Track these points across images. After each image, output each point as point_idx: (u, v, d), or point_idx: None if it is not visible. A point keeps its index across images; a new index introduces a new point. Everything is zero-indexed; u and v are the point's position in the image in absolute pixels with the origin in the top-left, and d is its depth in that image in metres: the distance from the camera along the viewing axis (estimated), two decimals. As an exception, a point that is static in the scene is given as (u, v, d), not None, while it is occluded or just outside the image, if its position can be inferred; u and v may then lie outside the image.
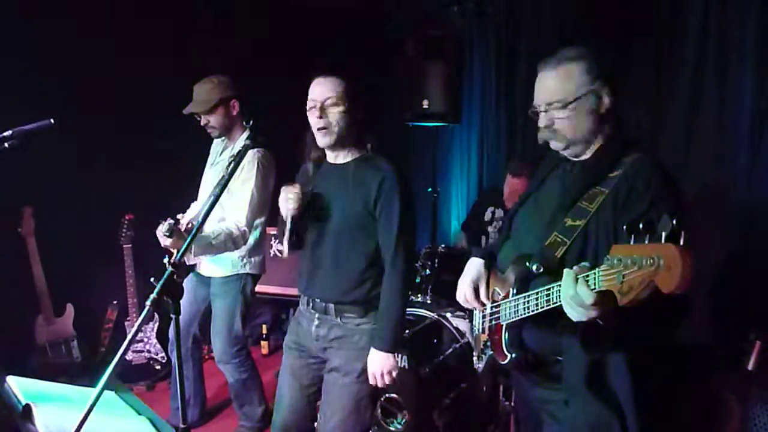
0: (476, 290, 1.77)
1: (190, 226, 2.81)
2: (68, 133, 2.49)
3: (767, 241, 2.88)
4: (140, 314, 1.35)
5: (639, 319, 1.24)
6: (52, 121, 1.98)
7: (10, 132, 1.95)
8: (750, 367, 2.57)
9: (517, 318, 1.55)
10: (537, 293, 1.45)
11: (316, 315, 2.16)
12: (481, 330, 1.81)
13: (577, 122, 1.52)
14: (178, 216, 2.96)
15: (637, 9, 3.40)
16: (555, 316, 1.41)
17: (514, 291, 1.58)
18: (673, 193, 1.44)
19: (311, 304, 2.18)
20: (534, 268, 1.49)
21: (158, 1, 3.80)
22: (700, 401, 2.60)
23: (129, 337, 1.38)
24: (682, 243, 1.02)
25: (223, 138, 2.97)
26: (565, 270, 1.27)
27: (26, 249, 3.44)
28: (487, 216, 3.87)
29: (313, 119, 2.03)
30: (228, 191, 2.76)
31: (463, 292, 1.79)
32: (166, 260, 1.40)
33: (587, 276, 1.22)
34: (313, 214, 2.12)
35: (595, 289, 1.20)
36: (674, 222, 1.04)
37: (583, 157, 1.60)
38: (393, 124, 4.42)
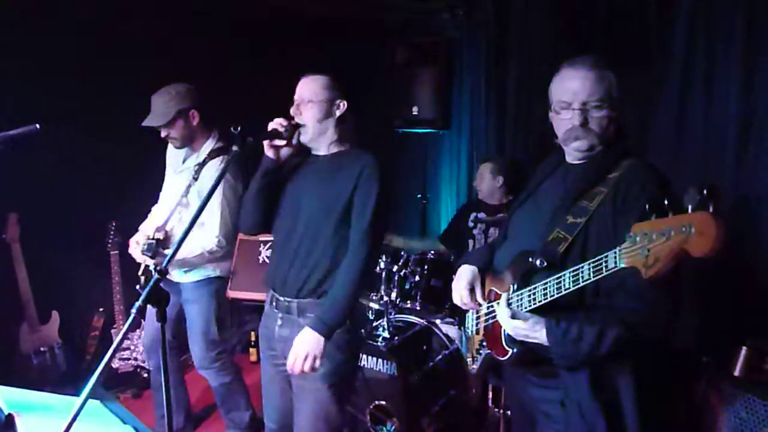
0: (472, 291, 1.80)
1: (159, 235, 2.80)
2: (54, 138, 2.47)
3: (754, 246, 2.90)
4: (126, 322, 1.33)
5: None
6: (37, 126, 1.96)
7: (-6, 137, 1.93)
8: (737, 373, 2.58)
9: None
10: (545, 283, 1.48)
11: (279, 315, 2.15)
12: (475, 331, 1.82)
13: (608, 124, 1.59)
14: (150, 231, 2.95)
15: (625, 16, 3.43)
16: (557, 312, 1.47)
17: (515, 287, 1.59)
18: (667, 195, 1.47)
19: (275, 303, 2.17)
20: (538, 262, 1.53)
21: (145, 5, 3.79)
22: (687, 407, 2.61)
23: (114, 344, 1.37)
24: (711, 210, 1.10)
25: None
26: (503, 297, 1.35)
27: (11, 255, 3.40)
28: (470, 223, 3.89)
29: (294, 117, 2.11)
30: (199, 198, 2.80)
31: (459, 294, 1.81)
32: (152, 267, 1.39)
33: (607, 256, 1.29)
34: (287, 204, 2.15)
35: (617, 266, 1.26)
36: (704, 192, 1.11)
37: (585, 160, 1.65)
38: (383, 130, 4.43)
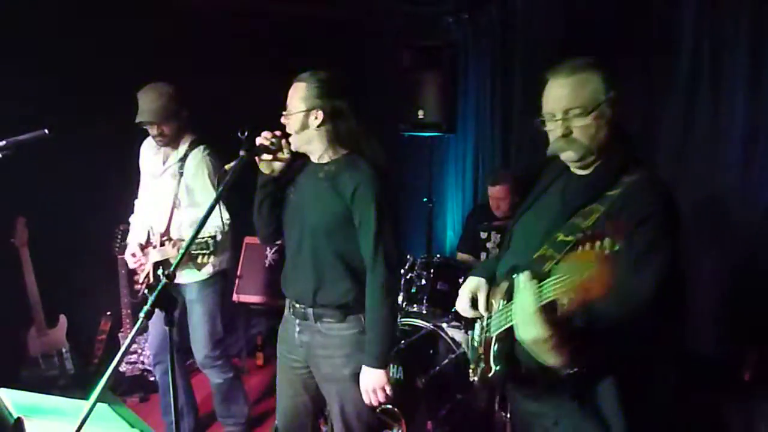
0: (474, 300, 1.76)
1: (166, 241, 2.82)
2: (62, 142, 2.48)
3: (762, 253, 2.88)
4: (134, 325, 1.34)
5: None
6: (46, 131, 1.98)
7: (3, 142, 1.95)
8: (747, 378, 2.57)
9: (502, 329, 1.53)
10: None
11: (297, 321, 2.17)
12: (479, 342, 1.80)
13: (596, 131, 1.49)
14: (142, 240, 2.96)
15: (630, 19, 3.42)
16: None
17: (504, 303, 1.56)
18: (664, 218, 1.42)
19: (292, 310, 2.19)
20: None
21: (153, 16, 3.82)
22: (698, 413, 2.59)
23: (122, 348, 1.37)
24: (606, 251, 1.10)
25: (158, 147, 2.95)
26: (521, 276, 1.27)
27: (19, 259, 3.42)
28: (483, 234, 3.86)
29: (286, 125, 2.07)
30: (191, 193, 2.85)
31: (461, 304, 1.79)
32: (160, 272, 1.39)
33: (541, 285, 1.23)
34: (293, 213, 2.13)
35: (549, 297, 1.20)
36: (610, 231, 1.12)
37: (585, 172, 1.58)
38: (388, 134, 4.43)
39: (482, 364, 1.73)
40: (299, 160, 2.16)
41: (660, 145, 3.24)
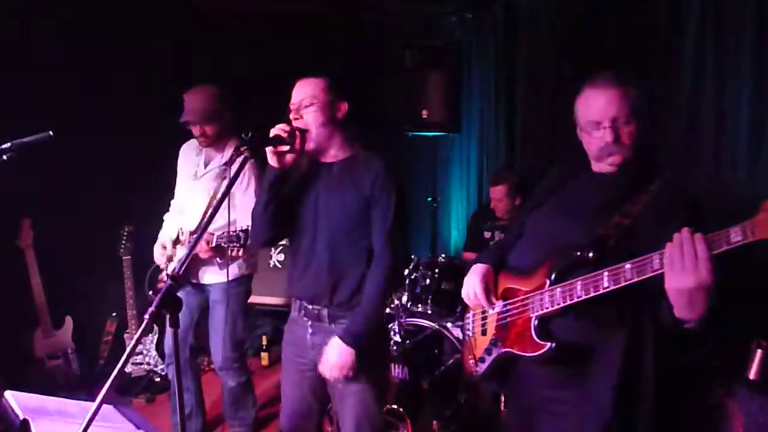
0: (485, 289, 1.78)
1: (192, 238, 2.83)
2: (67, 144, 2.49)
3: (767, 250, 2.87)
4: (139, 326, 1.34)
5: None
6: (50, 133, 1.99)
7: (8, 144, 1.96)
8: (751, 375, 2.56)
9: (561, 306, 1.55)
10: (617, 269, 1.43)
11: (309, 322, 2.14)
12: (481, 332, 1.80)
13: (638, 134, 1.63)
14: (172, 238, 2.97)
15: (634, 17, 3.42)
16: (601, 307, 1.49)
17: (552, 280, 1.59)
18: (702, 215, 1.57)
19: (303, 311, 2.16)
20: (590, 255, 1.53)
21: (156, 16, 3.82)
22: (701, 410, 2.58)
23: (128, 350, 1.37)
24: None
25: (200, 148, 2.97)
26: (684, 230, 1.35)
27: (25, 261, 3.43)
28: (487, 234, 3.86)
29: (293, 122, 2.05)
30: (231, 196, 2.79)
31: (473, 289, 1.79)
32: (165, 273, 1.39)
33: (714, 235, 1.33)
34: (304, 214, 2.11)
35: (746, 239, 1.32)
36: None
37: (618, 169, 1.67)
38: (392, 134, 4.44)
39: (497, 351, 1.73)
40: (304, 161, 2.14)
41: (665, 139, 3.24)
